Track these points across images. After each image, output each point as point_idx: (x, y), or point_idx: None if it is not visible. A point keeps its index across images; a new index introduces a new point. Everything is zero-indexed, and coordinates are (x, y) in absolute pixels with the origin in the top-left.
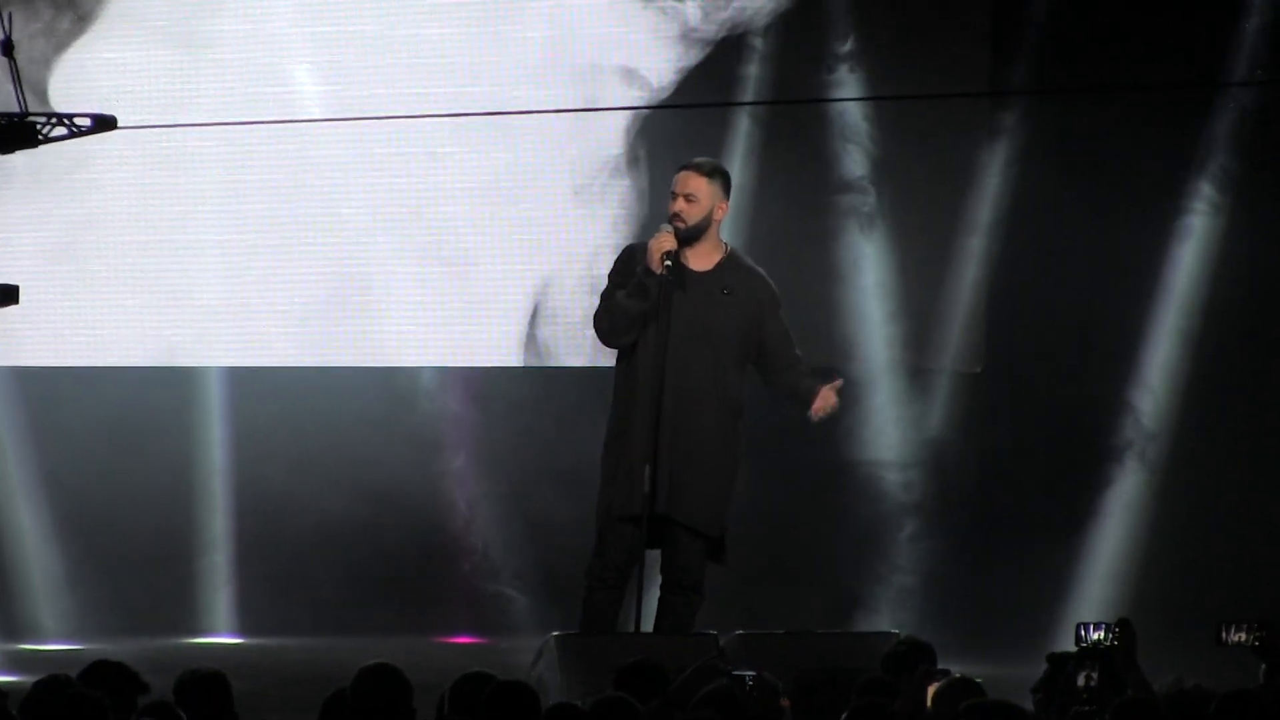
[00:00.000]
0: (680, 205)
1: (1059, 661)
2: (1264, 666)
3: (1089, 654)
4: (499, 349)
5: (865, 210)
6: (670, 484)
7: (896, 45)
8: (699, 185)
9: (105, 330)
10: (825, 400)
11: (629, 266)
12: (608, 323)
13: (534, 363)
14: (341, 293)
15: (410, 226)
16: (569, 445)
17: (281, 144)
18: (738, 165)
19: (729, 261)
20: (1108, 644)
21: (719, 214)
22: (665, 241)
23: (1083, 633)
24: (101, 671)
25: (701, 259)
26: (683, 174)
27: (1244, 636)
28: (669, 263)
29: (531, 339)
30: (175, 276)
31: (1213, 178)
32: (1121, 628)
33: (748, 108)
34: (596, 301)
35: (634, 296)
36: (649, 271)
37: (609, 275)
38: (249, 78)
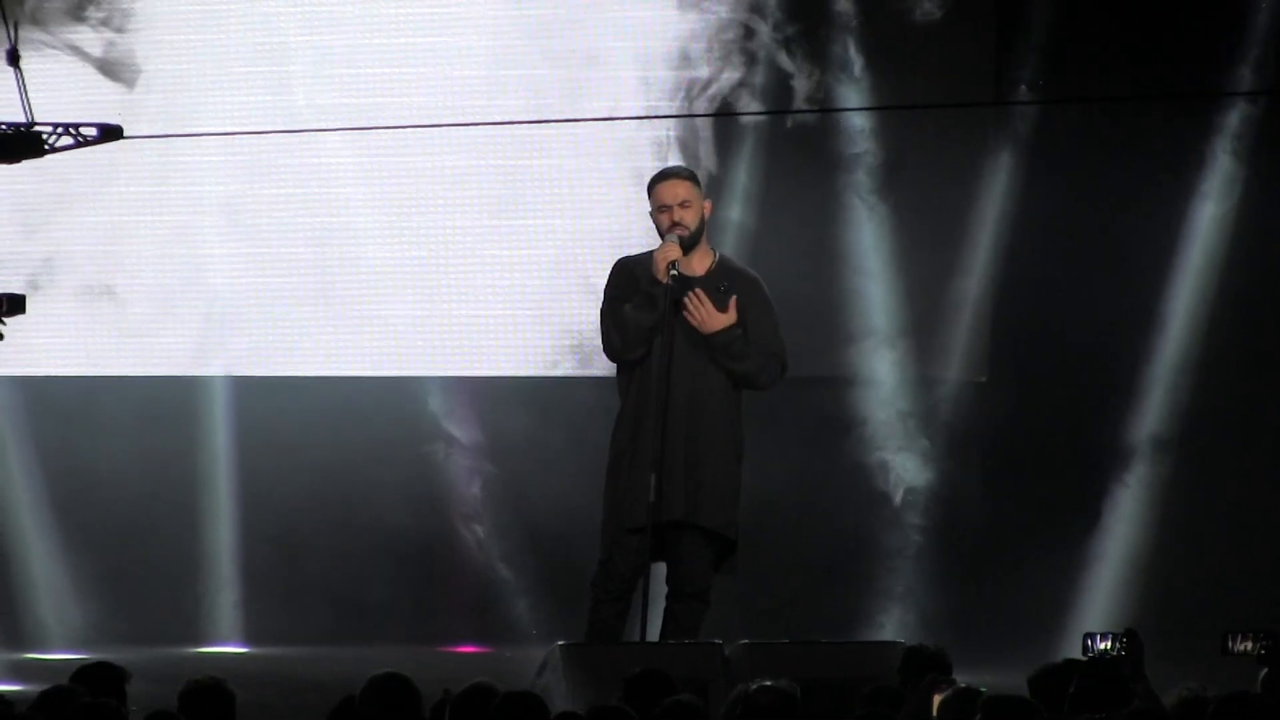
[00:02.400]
0: (679, 214)
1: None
2: (1264, 672)
3: (1096, 664)
4: (507, 360)
5: (869, 218)
6: (686, 489)
7: (902, 51)
8: (687, 190)
9: (111, 339)
10: (699, 305)
11: (623, 280)
12: (619, 338)
13: (542, 373)
14: (349, 302)
15: (422, 237)
16: (576, 455)
17: (293, 154)
18: (744, 172)
19: (721, 264)
20: (1114, 654)
21: (706, 213)
22: (671, 252)
23: (1089, 643)
24: (86, 676)
25: (696, 264)
26: (667, 184)
27: (1250, 645)
28: (674, 272)
29: (539, 350)
30: (184, 286)
31: (1219, 185)
32: (1129, 638)
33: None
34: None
35: (643, 309)
36: (655, 282)
37: (605, 291)
38: (257, 87)
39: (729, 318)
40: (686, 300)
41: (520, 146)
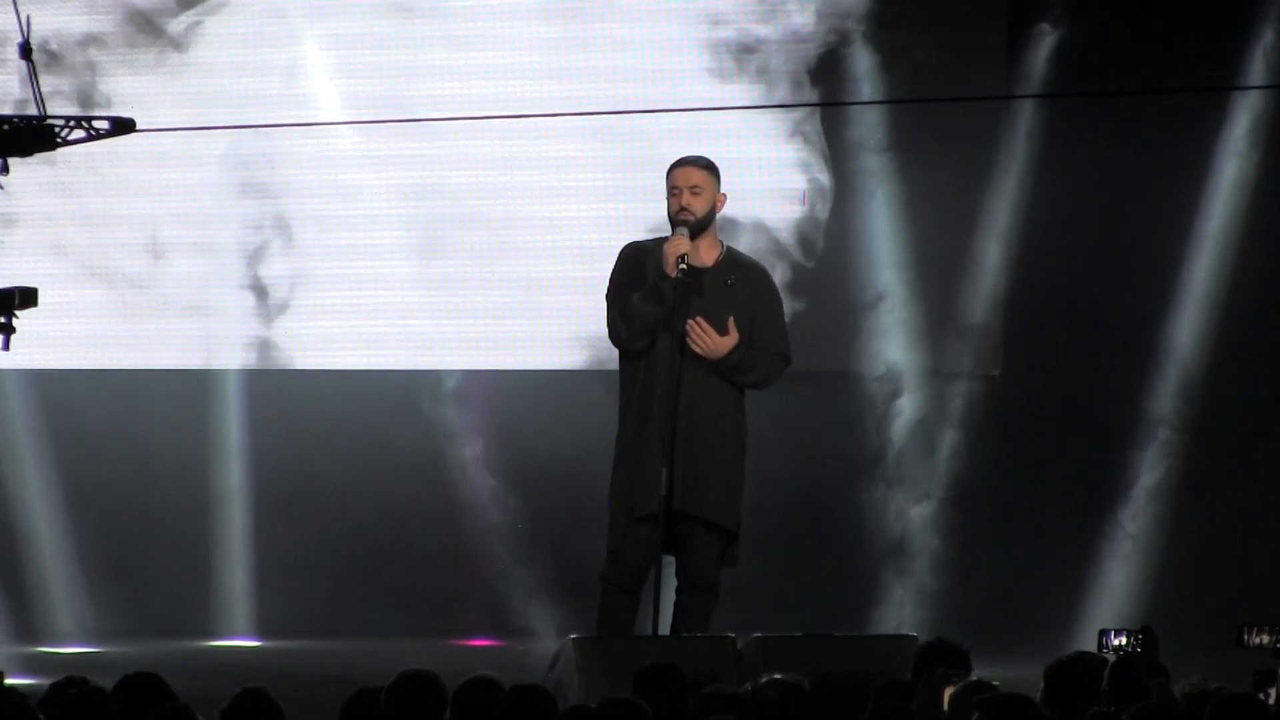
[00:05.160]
0: (687, 199)
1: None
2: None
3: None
4: (517, 352)
5: (882, 212)
6: (686, 480)
7: (914, 43)
8: (702, 177)
9: (123, 332)
10: (703, 335)
11: (631, 267)
12: (625, 328)
13: (551, 366)
14: (360, 295)
15: (432, 226)
16: (586, 447)
17: (303, 143)
18: (753, 159)
19: (729, 256)
20: (1130, 650)
21: (719, 205)
22: (680, 245)
23: (1105, 640)
24: (136, 685)
25: (704, 255)
26: (682, 169)
27: (1266, 639)
28: (684, 265)
29: (547, 342)
30: (193, 278)
31: (1232, 178)
32: (1144, 634)
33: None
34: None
35: (650, 301)
36: (664, 275)
37: (611, 277)
38: (270, 76)
39: (732, 339)
40: (689, 331)
41: (537, 136)
